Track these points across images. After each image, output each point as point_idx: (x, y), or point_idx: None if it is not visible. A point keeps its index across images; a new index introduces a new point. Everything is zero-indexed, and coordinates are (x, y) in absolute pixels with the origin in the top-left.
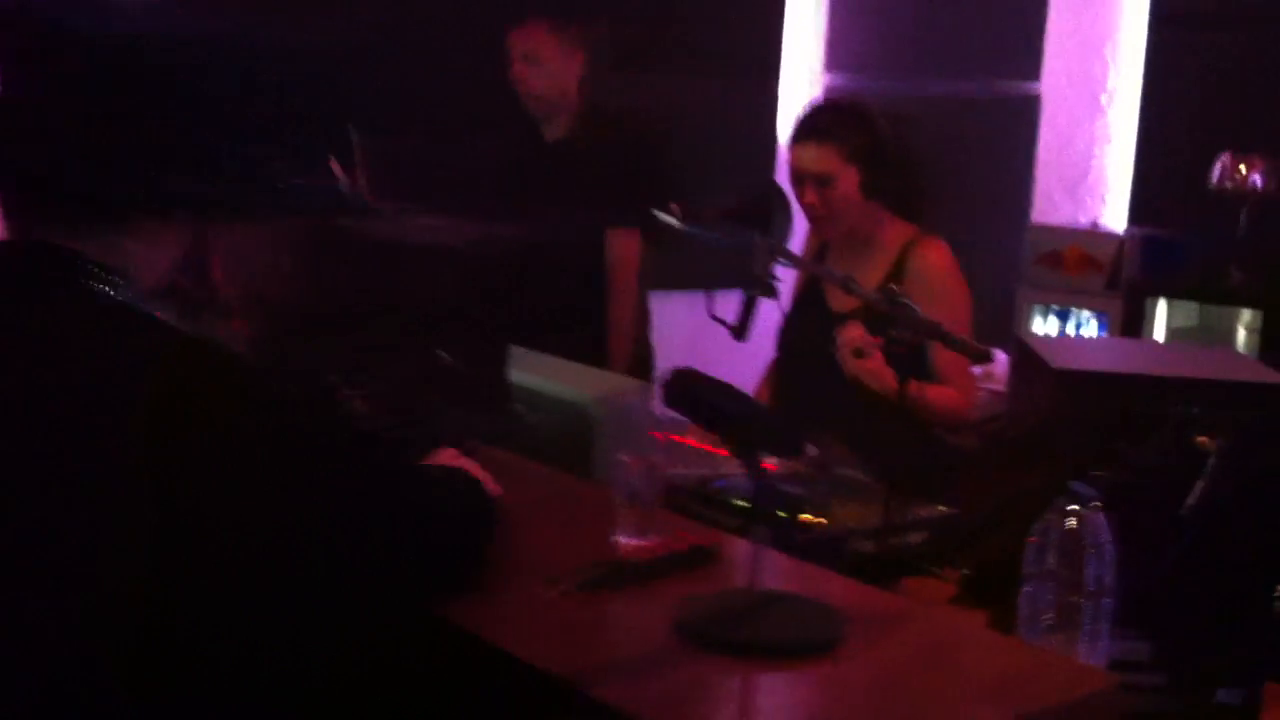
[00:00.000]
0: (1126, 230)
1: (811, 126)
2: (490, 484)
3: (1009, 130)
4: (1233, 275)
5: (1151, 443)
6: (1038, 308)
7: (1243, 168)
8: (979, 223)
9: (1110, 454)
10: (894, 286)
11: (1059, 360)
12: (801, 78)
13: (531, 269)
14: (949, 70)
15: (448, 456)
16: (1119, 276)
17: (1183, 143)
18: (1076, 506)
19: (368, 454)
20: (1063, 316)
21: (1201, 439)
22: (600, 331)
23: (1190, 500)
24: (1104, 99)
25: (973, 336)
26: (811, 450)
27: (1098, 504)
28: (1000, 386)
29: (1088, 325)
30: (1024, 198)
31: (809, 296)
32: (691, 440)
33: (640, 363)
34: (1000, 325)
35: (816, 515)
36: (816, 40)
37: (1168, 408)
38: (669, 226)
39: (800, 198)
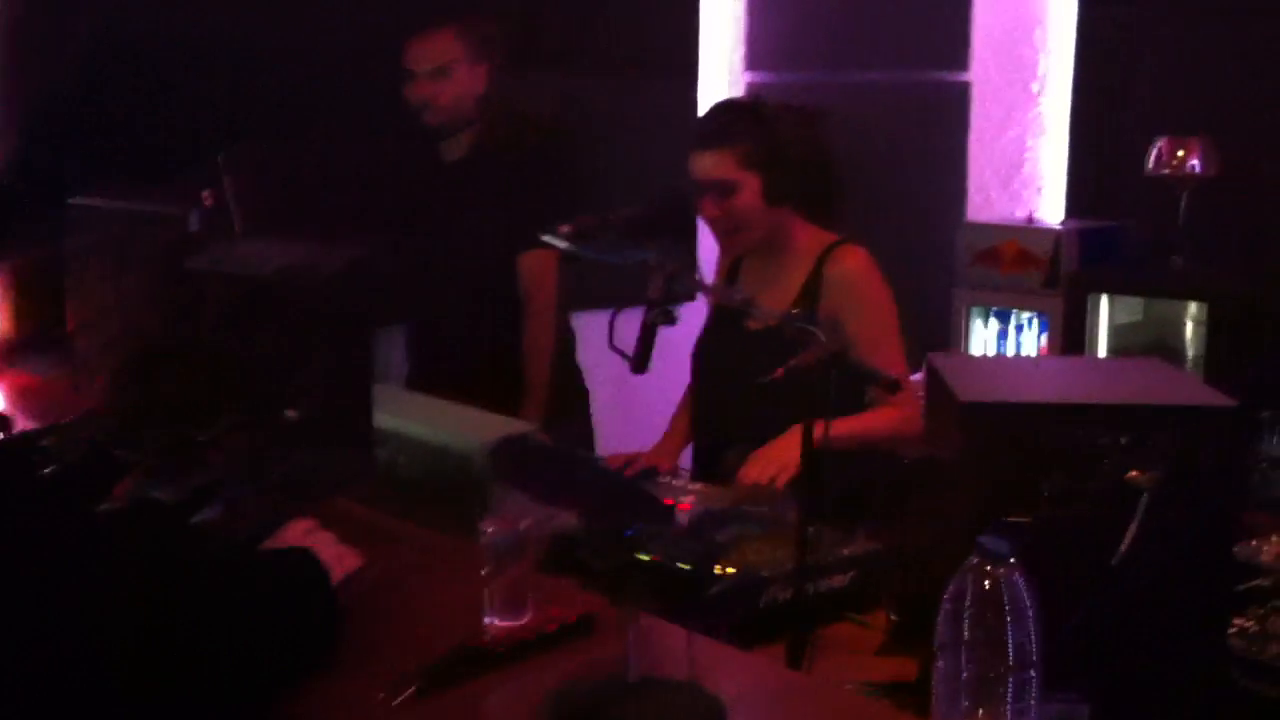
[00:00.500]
0: (1063, 223)
1: (705, 132)
2: (346, 559)
3: (939, 122)
4: (1174, 265)
5: (1076, 481)
6: (976, 310)
7: (1180, 152)
8: (912, 221)
9: (1030, 496)
10: (796, 310)
11: (967, 391)
12: (721, 77)
13: (435, 300)
14: (874, 62)
15: (296, 533)
16: (1058, 273)
17: (1119, 129)
18: (989, 566)
19: (171, 550)
20: (1003, 318)
21: (1133, 474)
22: (517, 363)
23: (1123, 545)
24: (1035, 87)
25: (904, 345)
26: (681, 517)
27: (1012, 560)
28: None
29: (1029, 327)
30: (958, 193)
31: (725, 313)
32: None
33: (567, 390)
34: (940, 330)
35: (728, 563)
36: (736, 37)
37: (1094, 440)
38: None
39: (702, 210)
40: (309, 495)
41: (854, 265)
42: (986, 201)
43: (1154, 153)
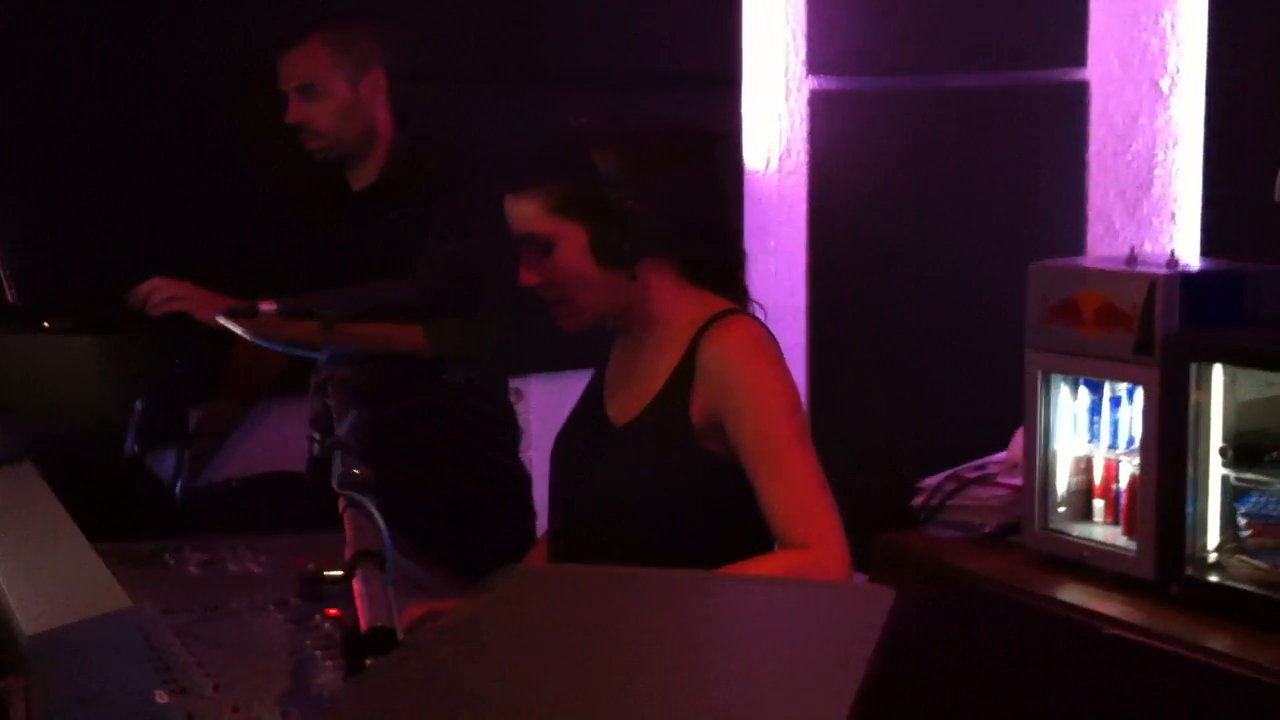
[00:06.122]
0: (1168, 265)
1: (517, 171)
2: None
3: (1049, 134)
4: None
5: None
6: (1059, 378)
7: None
8: (1021, 260)
9: None
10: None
11: None
12: (776, 86)
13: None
14: (966, 61)
15: None
16: (1152, 335)
17: (1259, 140)
18: None
19: None
20: (1095, 388)
21: None
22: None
23: None
24: (1165, 84)
25: (804, 445)
26: None
27: None
28: (1018, 480)
29: (1128, 401)
30: (1075, 223)
31: (590, 399)
32: None
33: (501, 477)
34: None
35: None
36: (796, 36)
37: None
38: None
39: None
40: None
41: (729, 344)
42: (1110, 232)
43: None
